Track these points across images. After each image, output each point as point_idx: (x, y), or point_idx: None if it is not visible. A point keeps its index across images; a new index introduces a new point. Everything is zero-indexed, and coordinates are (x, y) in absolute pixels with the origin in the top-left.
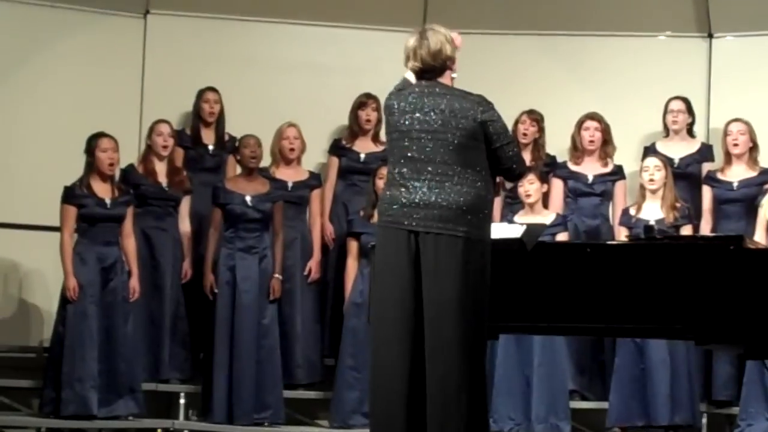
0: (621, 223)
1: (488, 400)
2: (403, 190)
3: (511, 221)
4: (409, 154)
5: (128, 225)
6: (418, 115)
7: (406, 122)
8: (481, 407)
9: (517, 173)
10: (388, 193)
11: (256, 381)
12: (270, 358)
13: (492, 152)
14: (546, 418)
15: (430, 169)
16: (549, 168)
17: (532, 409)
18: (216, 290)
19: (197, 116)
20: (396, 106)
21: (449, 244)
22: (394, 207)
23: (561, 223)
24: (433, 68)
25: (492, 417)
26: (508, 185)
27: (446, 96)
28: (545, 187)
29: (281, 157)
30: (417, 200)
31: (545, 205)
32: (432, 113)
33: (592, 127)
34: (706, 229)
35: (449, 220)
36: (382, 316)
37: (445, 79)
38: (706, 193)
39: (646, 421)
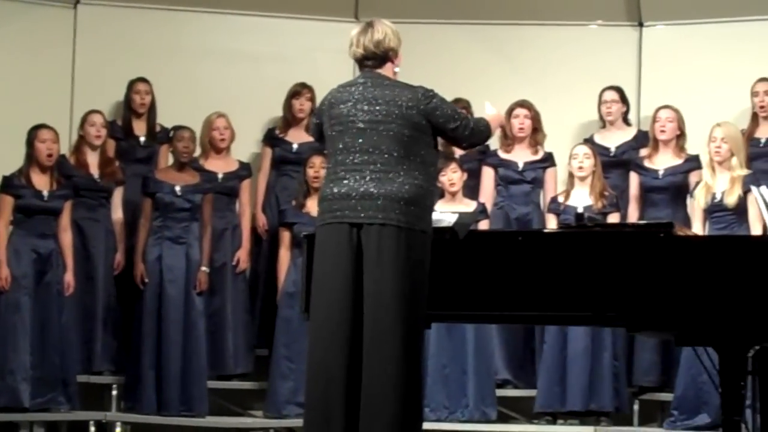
0: (549, 210)
1: (424, 389)
2: (345, 183)
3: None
4: (352, 147)
5: (65, 219)
6: (361, 106)
7: (350, 114)
8: (417, 397)
9: (482, 141)
10: (328, 189)
11: (182, 373)
12: (196, 349)
13: (447, 137)
14: (476, 405)
15: (373, 160)
16: (480, 156)
17: (467, 396)
18: (146, 280)
19: (128, 107)
20: (339, 98)
21: (392, 236)
22: (336, 201)
23: (483, 210)
24: (374, 56)
25: (428, 406)
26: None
27: (390, 87)
28: (465, 176)
29: (211, 147)
30: (360, 192)
31: (475, 193)
32: (376, 104)
33: (521, 115)
34: (633, 215)
35: (392, 211)
36: (322, 309)
37: (386, 71)
38: (633, 179)
39: (566, 407)
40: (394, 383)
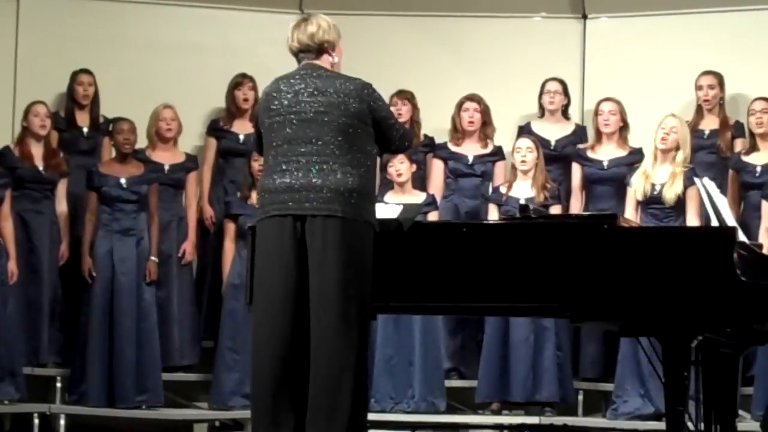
0: (491, 201)
1: (369, 380)
2: (287, 174)
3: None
4: (293, 138)
5: (5, 208)
6: (302, 97)
7: (291, 105)
8: (362, 389)
9: (405, 148)
10: (269, 180)
11: (137, 364)
12: (149, 340)
13: (381, 133)
14: (424, 396)
15: (316, 151)
16: (428, 149)
17: (413, 387)
18: (94, 273)
19: (71, 98)
20: (278, 90)
21: (336, 227)
22: (279, 194)
23: (432, 202)
24: (309, 48)
25: (373, 397)
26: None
27: (330, 78)
28: (414, 167)
29: (157, 139)
30: (304, 184)
31: (424, 185)
32: (317, 95)
33: (471, 108)
34: (575, 206)
35: (336, 203)
36: (264, 303)
37: (323, 63)
38: (576, 170)
39: (508, 397)
40: (338, 375)
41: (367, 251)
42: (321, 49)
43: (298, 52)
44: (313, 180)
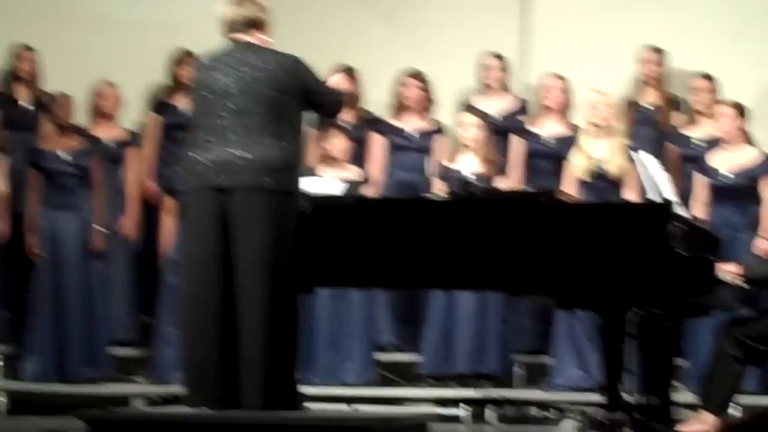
0: (437, 176)
1: (311, 354)
2: (213, 148)
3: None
4: (220, 112)
5: None
6: (228, 70)
7: (217, 79)
8: (290, 361)
9: (337, 111)
10: (195, 154)
11: (87, 337)
12: (96, 314)
13: (312, 103)
14: (362, 370)
15: (241, 124)
16: (369, 124)
17: (352, 360)
18: (38, 252)
19: (11, 74)
20: (207, 66)
21: (260, 199)
22: (202, 166)
23: (365, 178)
24: (240, 24)
25: (312, 370)
26: None
27: (257, 52)
28: (347, 141)
29: (98, 115)
30: (229, 156)
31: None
32: (244, 69)
33: (412, 84)
34: (516, 180)
35: (262, 175)
36: (191, 276)
37: (254, 39)
38: (517, 144)
39: (453, 370)
40: (266, 346)
41: (292, 222)
42: (251, 24)
43: (230, 27)
44: (239, 152)
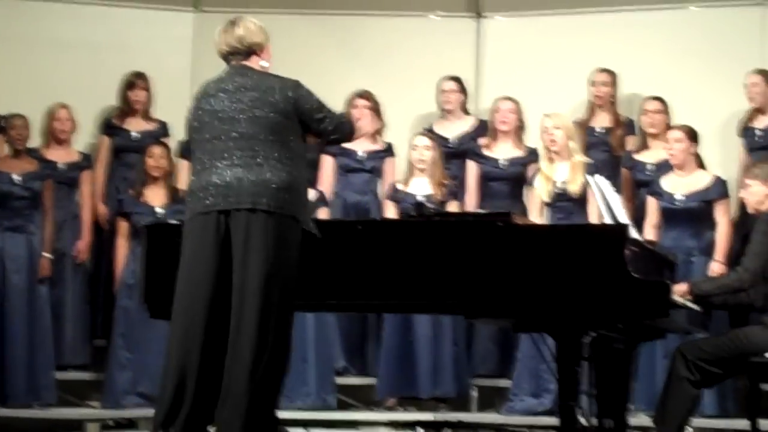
0: (389, 198)
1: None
2: (213, 171)
3: None
4: (220, 136)
5: None
6: (228, 95)
7: (216, 104)
8: (279, 384)
9: (346, 138)
10: (196, 179)
11: (29, 363)
12: (43, 340)
13: (311, 127)
14: (317, 393)
15: (241, 146)
16: (321, 146)
17: (307, 384)
18: None
19: None
20: (207, 92)
21: (260, 220)
22: (205, 191)
23: (322, 199)
24: (238, 51)
25: None
26: None
27: (257, 77)
28: None
29: (52, 138)
30: (229, 179)
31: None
32: (243, 93)
33: (361, 105)
34: (471, 204)
35: (261, 196)
36: (185, 299)
37: (252, 64)
38: (472, 168)
39: (411, 393)
40: (253, 370)
41: (292, 246)
42: (250, 51)
43: (228, 55)
44: (239, 175)
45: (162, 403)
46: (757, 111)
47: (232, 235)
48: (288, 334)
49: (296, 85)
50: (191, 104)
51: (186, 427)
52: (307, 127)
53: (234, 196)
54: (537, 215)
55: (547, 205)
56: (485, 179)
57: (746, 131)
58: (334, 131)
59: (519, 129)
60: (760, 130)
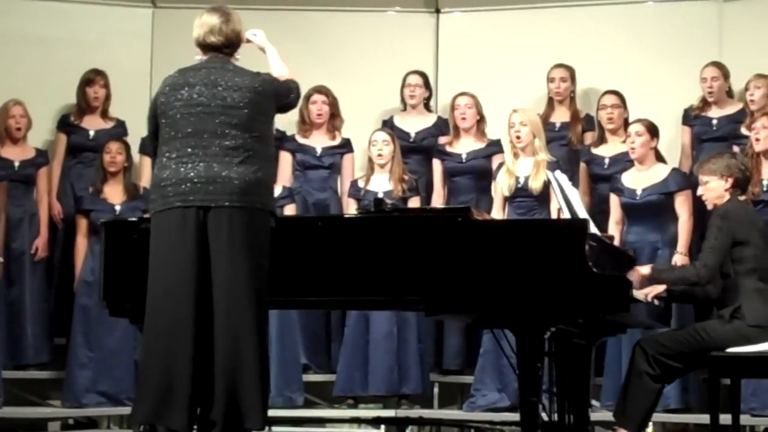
0: (350, 195)
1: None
2: (188, 166)
3: None
4: (197, 130)
5: None
6: (205, 89)
7: (191, 98)
8: (268, 377)
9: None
10: (167, 173)
11: None
12: None
13: (287, 108)
14: (281, 391)
15: (218, 143)
16: (277, 141)
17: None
18: None
19: None
20: (179, 83)
21: (240, 217)
22: (178, 185)
23: (288, 195)
24: (231, 44)
25: None
26: None
27: (233, 72)
28: None
29: (7, 135)
30: (206, 175)
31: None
32: (220, 88)
33: (319, 101)
34: (438, 201)
35: (240, 193)
36: (163, 296)
37: (227, 56)
38: (437, 166)
39: (368, 391)
40: (251, 364)
41: (266, 242)
42: (238, 46)
43: (221, 47)
44: (217, 171)
45: (147, 401)
46: (710, 102)
47: (210, 232)
48: (267, 327)
49: (270, 79)
50: (161, 94)
51: (183, 425)
52: (282, 109)
53: (213, 192)
54: (498, 209)
55: (508, 199)
56: (450, 175)
57: (697, 119)
58: (296, 99)
59: (479, 122)
60: (716, 119)
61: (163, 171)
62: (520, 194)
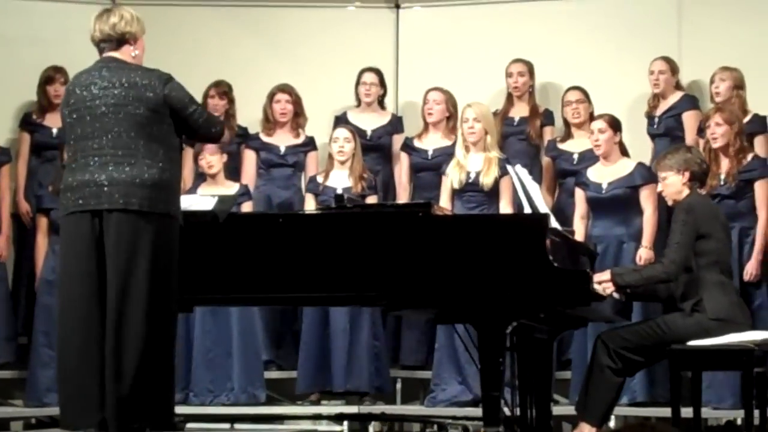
0: (308, 190)
1: (189, 374)
2: (86, 170)
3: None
4: (91, 132)
5: None
6: (98, 91)
7: (87, 99)
8: (166, 383)
9: (214, 135)
10: (70, 177)
11: None
12: None
13: (183, 122)
14: (244, 388)
15: (113, 145)
16: (241, 139)
17: (231, 379)
18: None
19: None
20: (77, 84)
21: (132, 220)
22: (78, 190)
23: (246, 193)
24: (110, 38)
25: (192, 390)
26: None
27: (127, 70)
28: (225, 158)
29: None
30: (101, 179)
31: (239, 177)
32: (114, 88)
33: (283, 100)
34: (403, 197)
35: (133, 196)
36: (66, 300)
37: (124, 55)
38: (404, 159)
39: (329, 387)
40: (138, 369)
41: (168, 244)
42: (122, 40)
43: (100, 43)
44: (110, 174)
45: (62, 407)
46: (659, 97)
47: (105, 236)
48: (172, 333)
49: (168, 78)
50: (63, 97)
51: (97, 423)
52: (178, 120)
53: (106, 195)
54: (447, 202)
55: (458, 193)
56: (415, 170)
57: (649, 119)
58: (204, 126)
59: (449, 119)
60: (657, 117)
61: (66, 175)
62: (470, 189)
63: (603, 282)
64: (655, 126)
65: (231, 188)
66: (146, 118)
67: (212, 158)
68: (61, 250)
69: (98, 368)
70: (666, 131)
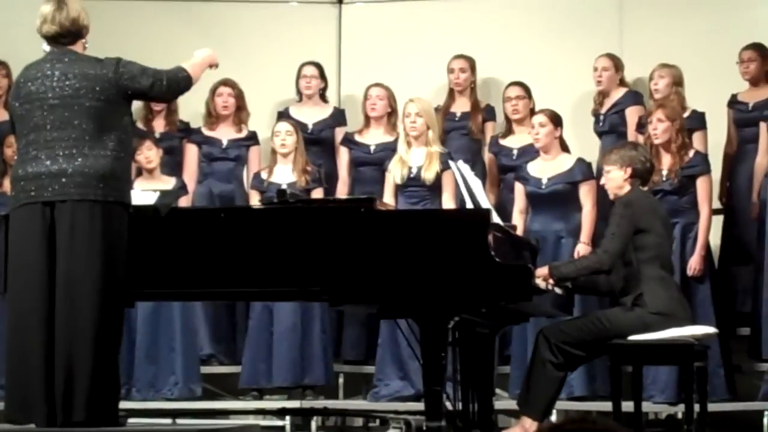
0: (253, 187)
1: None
2: (38, 161)
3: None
4: (43, 124)
5: None
6: (50, 82)
7: (39, 91)
8: (112, 377)
9: (184, 89)
10: (21, 169)
11: None
12: None
13: (149, 96)
14: (184, 383)
15: (66, 136)
16: (183, 134)
17: (175, 374)
18: None
19: None
20: (27, 77)
21: (86, 210)
22: (30, 181)
23: (182, 187)
24: (69, 33)
25: (134, 386)
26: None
27: (80, 62)
28: (161, 152)
29: None
30: (54, 170)
31: (177, 171)
32: (66, 80)
33: (225, 93)
34: (343, 191)
35: (86, 186)
36: (17, 293)
37: (77, 47)
38: (344, 155)
39: (273, 383)
40: (86, 362)
41: (120, 233)
42: (79, 34)
43: (57, 37)
44: (62, 165)
45: (8, 400)
46: (604, 94)
47: (57, 227)
48: (119, 325)
49: (114, 62)
50: (12, 89)
51: (43, 418)
52: (142, 97)
53: (59, 186)
54: (390, 197)
55: (400, 188)
56: (356, 165)
57: (595, 117)
58: (169, 88)
59: (390, 114)
60: (603, 114)
61: (17, 166)
62: (412, 184)
63: (542, 276)
64: (601, 124)
65: (167, 183)
66: (100, 109)
67: (150, 153)
68: (11, 242)
69: (47, 360)
70: (611, 128)
